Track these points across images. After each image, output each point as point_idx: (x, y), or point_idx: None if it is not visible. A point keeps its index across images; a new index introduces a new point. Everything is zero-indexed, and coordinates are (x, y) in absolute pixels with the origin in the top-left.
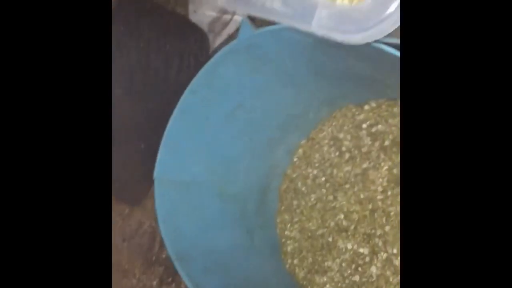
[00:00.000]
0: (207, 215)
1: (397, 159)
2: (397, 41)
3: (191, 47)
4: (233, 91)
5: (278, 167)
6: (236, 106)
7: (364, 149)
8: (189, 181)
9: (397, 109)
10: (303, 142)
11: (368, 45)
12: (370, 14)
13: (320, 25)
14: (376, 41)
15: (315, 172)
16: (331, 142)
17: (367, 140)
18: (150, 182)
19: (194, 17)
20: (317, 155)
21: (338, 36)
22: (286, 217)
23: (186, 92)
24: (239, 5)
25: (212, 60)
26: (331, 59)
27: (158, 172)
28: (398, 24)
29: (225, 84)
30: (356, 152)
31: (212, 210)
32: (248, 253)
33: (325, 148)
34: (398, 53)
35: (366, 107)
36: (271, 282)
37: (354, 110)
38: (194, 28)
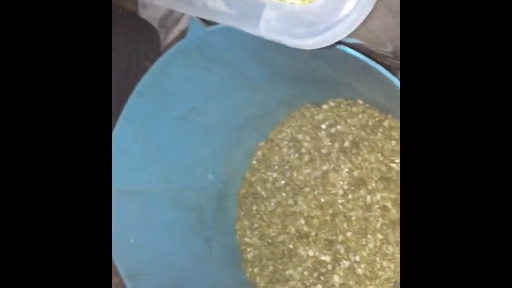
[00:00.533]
0: (161, 227)
1: (357, 161)
2: (354, 41)
3: (141, 44)
4: (184, 93)
5: (236, 171)
6: (188, 109)
7: (323, 150)
8: (140, 190)
9: (356, 109)
10: (261, 144)
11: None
12: (323, 16)
13: (268, 28)
14: None
15: (274, 175)
16: (291, 144)
17: (327, 141)
18: None
19: (144, 13)
20: (276, 157)
21: (288, 41)
22: (246, 223)
23: (133, 94)
24: (179, 5)
25: (160, 60)
26: (287, 58)
27: None
28: (355, 26)
29: (176, 86)
30: (315, 153)
31: (167, 220)
32: (208, 265)
33: (285, 150)
34: (354, 53)
35: (325, 106)
36: None
37: (312, 109)
38: (144, 24)
